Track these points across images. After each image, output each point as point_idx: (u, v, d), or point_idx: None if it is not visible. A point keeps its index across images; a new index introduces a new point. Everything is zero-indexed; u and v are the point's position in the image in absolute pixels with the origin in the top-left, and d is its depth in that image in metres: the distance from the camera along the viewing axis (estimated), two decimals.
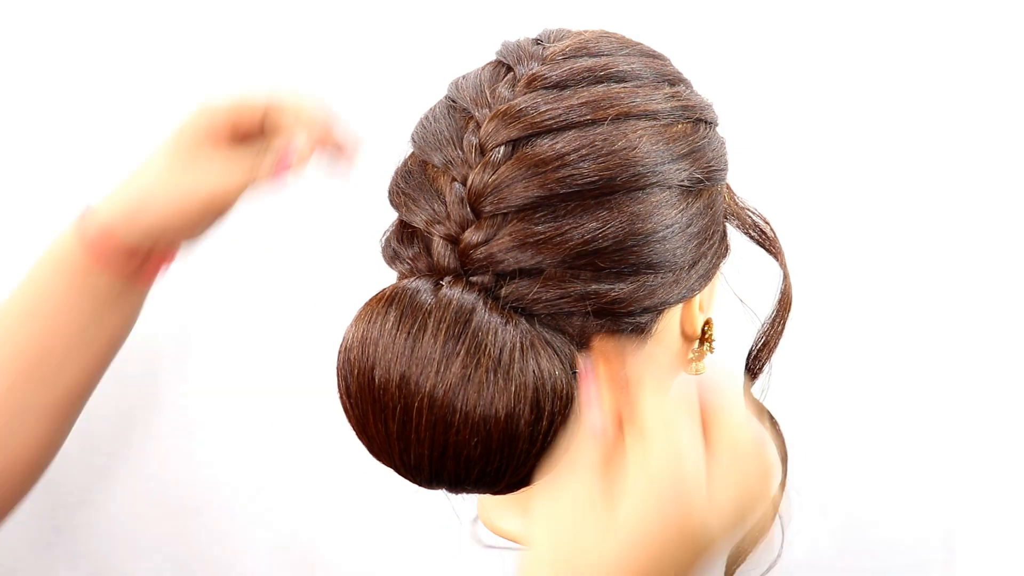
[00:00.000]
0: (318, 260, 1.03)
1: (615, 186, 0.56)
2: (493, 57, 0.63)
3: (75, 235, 0.75)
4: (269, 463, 1.07)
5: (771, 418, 0.69)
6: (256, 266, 1.04)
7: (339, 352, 0.57)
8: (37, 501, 1.08)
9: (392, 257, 0.61)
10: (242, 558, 1.08)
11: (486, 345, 0.54)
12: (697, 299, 0.62)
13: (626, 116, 0.57)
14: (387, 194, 0.62)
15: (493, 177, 0.56)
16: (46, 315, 0.74)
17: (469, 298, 0.55)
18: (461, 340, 0.54)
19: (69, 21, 1.01)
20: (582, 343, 0.57)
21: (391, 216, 0.62)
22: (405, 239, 0.60)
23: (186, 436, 1.07)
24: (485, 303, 0.55)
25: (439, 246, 0.57)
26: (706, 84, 0.65)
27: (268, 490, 1.07)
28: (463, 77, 0.63)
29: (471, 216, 0.57)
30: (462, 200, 0.57)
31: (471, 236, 0.56)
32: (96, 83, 1.02)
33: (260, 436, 1.07)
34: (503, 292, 0.56)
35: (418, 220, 0.59)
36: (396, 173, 0.63)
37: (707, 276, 0.62)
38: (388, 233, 0.62)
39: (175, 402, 1.07)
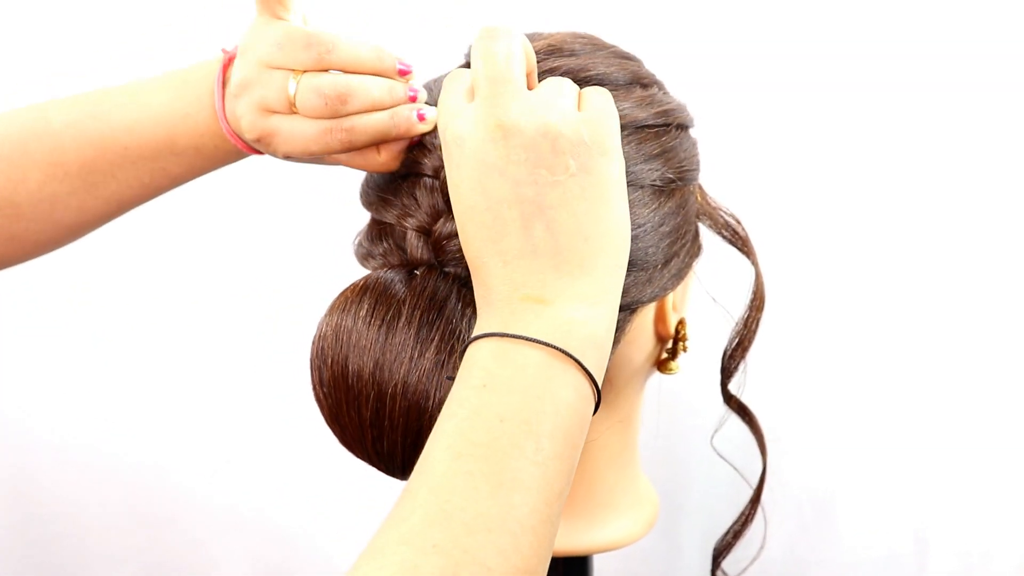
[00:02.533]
0: (290, 256, 1.03)
1: None
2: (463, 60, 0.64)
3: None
4: (244, 470, 1.06)
5: (749, 414, 0.70)
6: (227, 266, 1.03)
7: (313, 343, 0.57)
8: (10, 514, 1.08)
9: (364, 255, 0.61)
10: (218, 566, 1.08)
11: (460, 332, 0.54)
12: (670, 299, 0.63)
13: None
14: (359, 195, 0.63)
15: None
16: (154, 111, 0.64)
17: (443, 286, 0.55)
18: (435, 327, 0.54)
19: (69, 21, 1.01)
20: None
21: (364, 213, 0.62)
22: (376, 237, 0.60)
23: (158, 445, 1.07)
24: (459, 292, 0.55)
25: (412, 238, 0.58)
26: (679, 85, 0.66)
27: (243, 498, 1.07)
28: (434, 80, 0.63)
29: (443, 206, 0.57)
30: (433, 191, 0.57)
31: (443, 227, 0.56)
32: (95, 83, 1.01)
33: (234, 444, 1.06)
34: None
35: (390, 216, 0.59)
36: (367, 175, 0.63)
37: (680, 275, 0.62)
38: (360, 236, 0.62)
39: (146, 410, 1.06)
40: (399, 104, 0.59)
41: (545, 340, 0.47)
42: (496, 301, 0.50)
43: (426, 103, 0.60)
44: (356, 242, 0.63)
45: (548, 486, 0.46)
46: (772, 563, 0.92)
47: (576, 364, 0.48)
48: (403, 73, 0.59)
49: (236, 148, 0.63)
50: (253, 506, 1.06)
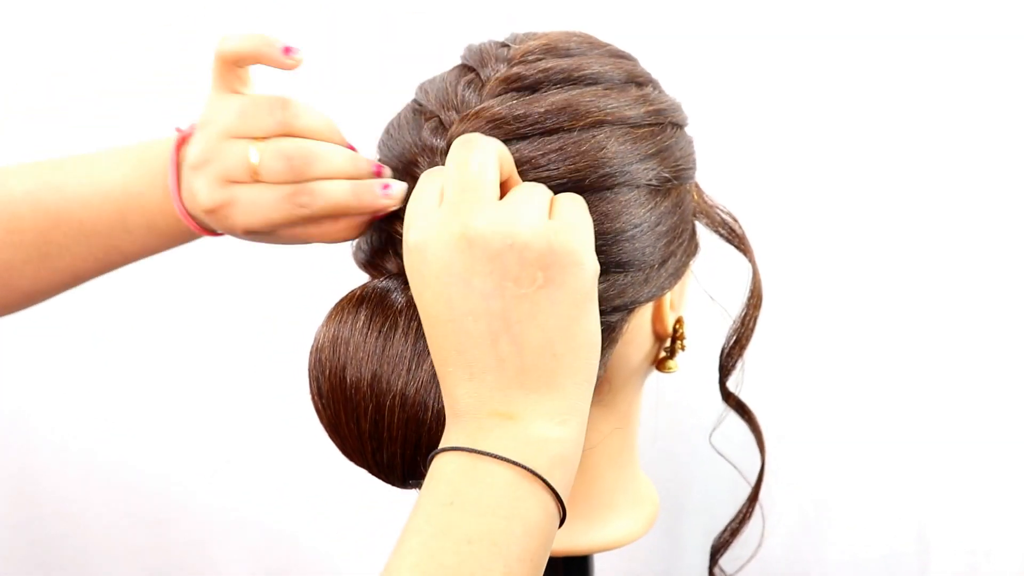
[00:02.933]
0: (290, 256, 1.02)
1: (583, 187, 0.56)
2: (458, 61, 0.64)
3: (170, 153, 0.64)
4: (244, 471, 1.06)
5: (748, 412, 0.70)
6: (228, 267, 1.03)
7: (310, 353, 0.57)
8: (12, 515, 1.08)
9: (364, 262, 0.61)
10: (218, 567, 1.08)
11: None
12: (668, 297, 0.63)
13: (595, 118, 0.58)
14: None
15: None
16: (107, 190, 0.63)
17: None
18: None
19: (69, 21, 1.01)
20: None
21: None
22: (376, 244, 0.61)
23: (159, 446, 1.07)
24: None
25: None
26: (674, 83, 0.66)
27: (243, 498, 1.07)
28: (429, 81, 0.63)
29: None
30: None
31: None
32: (96, 83, 1.01)
33: (234, 445, 1.06)
34: None
35: (386, 223, 0.59)
36: None
37: (677, 274, 0.62)
38: (360, 240, 0.62)
39: (147, 412, 1.06)
40: (362, 174, 0.58)
41: (514, 459, 0.47)
42: (463, 413, 0.49)
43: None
44: (355, 246, 0.63)
45: None
46: (771, 562, 0.92)
47: (544, 484, 0.47)
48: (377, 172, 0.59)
49: (189, 228, 0.63)
50: (253, 507, 1.07)
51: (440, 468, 0.48)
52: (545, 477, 0.47)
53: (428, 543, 0.45)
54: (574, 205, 0.52)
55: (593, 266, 0.51)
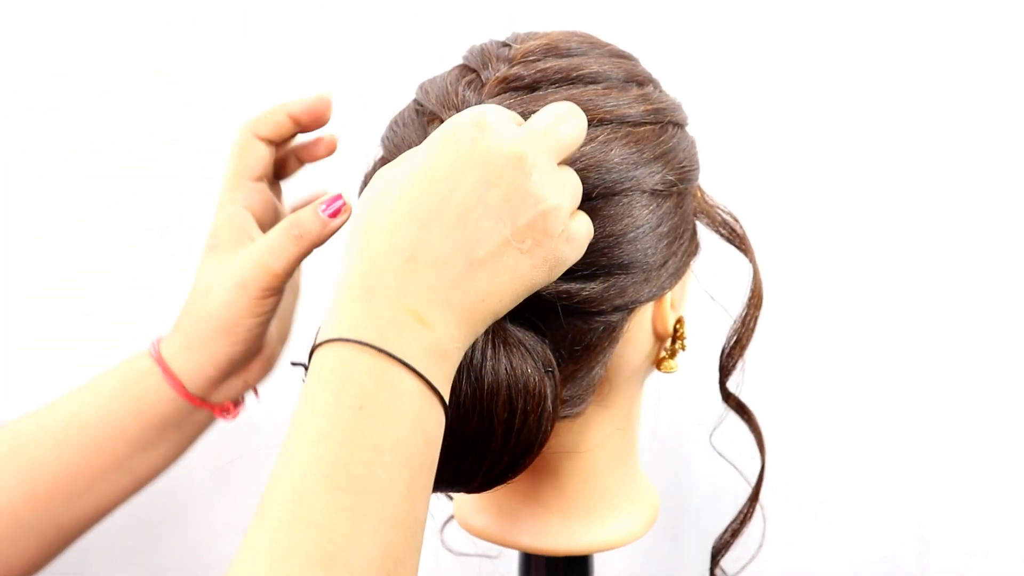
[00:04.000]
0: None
1: (590, 195, 0.56)
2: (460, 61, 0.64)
3: (149, 354, 0.70)
4: (244, 470, 1.06)
5: (748, 412, 0.70)
6: None
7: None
8: None
9: None
10: (218, 568, 1.07)
11: None
12: (668, 297, 0.63)
13: (597, 120, 0.58)
14: (358, 199, 0.62)
15: None
16: (98, 430, 0.68)
17: None
18: None
19: (69, 21, 1.01)
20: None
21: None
22: None
23: None
24: None
25: None
26: (675, 83, 0.66)
27: (243, 498, 1.07)
28: (430, 80, 0.63)
29: None
30: None
31: None
32: (96, 83, 1.01)
33: (235, 443, 1.06)
34: None
35: None
36: (365, 177, 0.63)
37: (677, 274, 0.62)
38: None
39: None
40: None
41: (421, 370, 0.46)
42: (382, 294, 0.47)
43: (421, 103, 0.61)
44: None
45: (416, 518, 0.45)
46: (772, 562, 0.92)
47: (440, 399, 0.48)
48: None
49: (203, 410, 0.70)
50: (254, 507, 1.06)
51: (347, 363, 0.46)
52: (442, 392, 0.48)
53: (337, 452, 0.44)
54: (587, 227, 0.54)
55: (553, 279, 0.53)
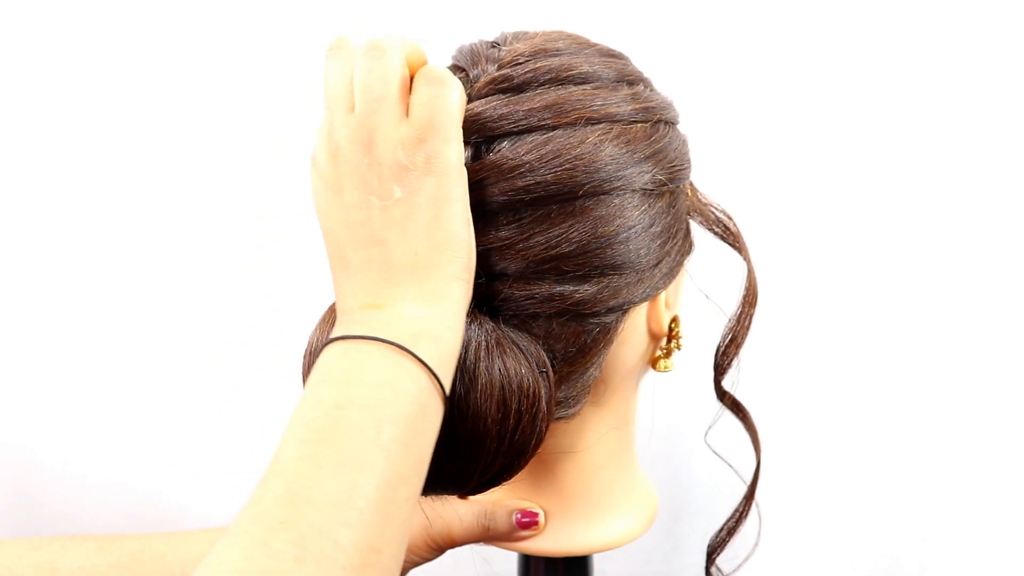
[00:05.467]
0: (291, 256, 1.03)
1: (578, 193, 0.56)
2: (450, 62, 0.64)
3: None
4: (244, 477, 1.06)
5: (743, 411, 0.70)
6: (227, 269, 1.03)
7: (304, 357, 0.57)
8: (10, 518, 1.08)
9: None
10: None
11: None
12: (663, 297, 0.63)
13: (586, 119, 0.58)
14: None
15: None
16: None
17: None
18: None
19: (69, 21, 1.01)
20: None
21: None
22: None
23: (159, 450, 1.07)
24: None
25: None
26: (666, 82, 0.66)
27: (243, 504, 1.07)
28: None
29: None
30: None
31: None
32: (96, 83, 1.01)
33: (235, 450, 1.06)
34: None
35: None
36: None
37: (671, 274, 0.62)
38: None
39: (147, 415, 1.06)
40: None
41: (378, 335, 0.49)
42: (343, 311, 0.53)
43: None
44: None
45: (392, 468, 0.47)
46: (768, 561, 0.92)
47: (411, 356, 0.49)
48: None
49: None
50: None
51: (320, 360, 0.51)
52: (410, 348, 0.49)
53: (304, 414, 0.48)
54: (429, 94, 0.54)
55: (448, 164, 0.53)
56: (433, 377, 0.50)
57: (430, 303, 0.51)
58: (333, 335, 0.51)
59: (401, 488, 0.47)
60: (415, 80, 0.54)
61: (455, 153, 0.53)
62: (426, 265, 0.52)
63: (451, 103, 0.53)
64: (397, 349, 0.49)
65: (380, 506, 0.45)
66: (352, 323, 0.51)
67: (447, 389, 0.51)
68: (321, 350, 0.51)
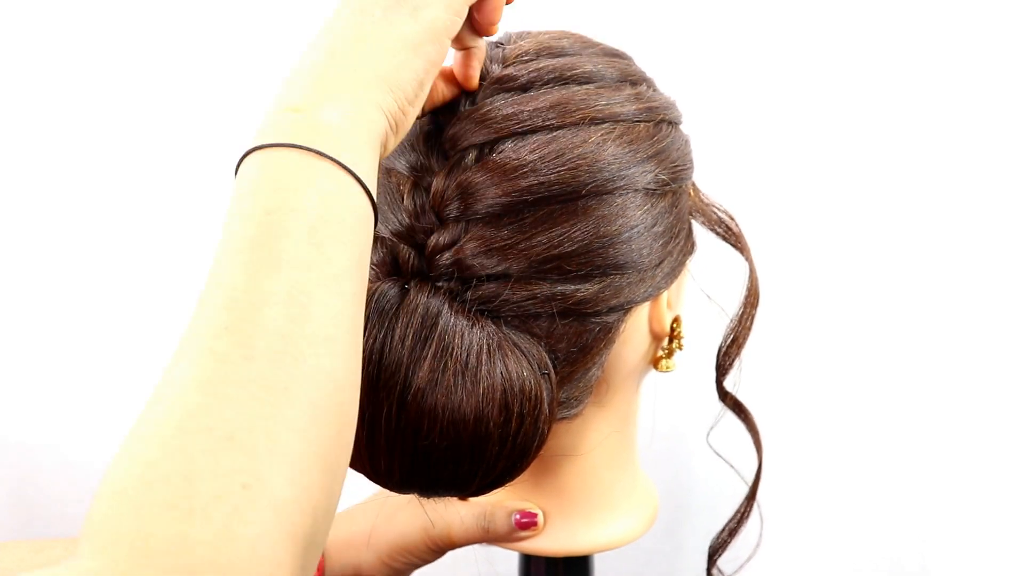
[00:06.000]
0: None
1: (581, 193, 0.56)
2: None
3: None
4: None
5: (745, 411, 0.70)
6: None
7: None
8: (11, 518, 1.08)
9: None
10: None
11: (453, 348, 0.54)
12: (664, 297, 0.63)
13: (590, 119, 0.58)
14: None
15: (458, 182, 0.56)
16: None
17: (435, 301, 0.55)
18: (428, 344, 0.54)
19: (69, 21, 1.01)
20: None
21: None
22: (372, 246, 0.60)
23: None
24: (451, 306, 0.55)
25: (404, 252, 0.57)
26: (670, 81, 0.65)
27: None
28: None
29: (436, 221, 0.57)
30: (426, 205, 0.57)
31: (436, 241, 0.56)
32: (95, 83, 1.01)
33: None
34: (469, 295, 0.56)
35: (383, 228, 0.59)
36: None
37: (673, 274, 0.62)
38: None
39: None
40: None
41: (290, 140, 0.48)
42: (263, 116, 0.50)
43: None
44: None
45: (329, 263, 0.46)
46: (770, 562, 0.92)
47: (331, 160, 0.48)
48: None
49: None
50: None
51: (240, 172, 0.49)
52: (329, 154, 0.48)
53: (233, 227, 0.47)
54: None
55: (436, 16, 0.53)
56: (357, 181, 0.49)
57: (349, 113, 0.50)
58: (251, 144, 0.50)
59: (343, 281, 0.46)
60: None
61: (447, 21, 0.53)
62: (353, 79, 0.51)
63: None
64: (317, 155, 0.48)
65: (324, 300, 0.45)
66: (271, 129, 0.50)
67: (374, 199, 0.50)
68: (240, 160, 0.50)
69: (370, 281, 0.59)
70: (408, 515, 0.69)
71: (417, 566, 0.70)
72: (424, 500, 0.67)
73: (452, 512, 0.68)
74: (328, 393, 0.44)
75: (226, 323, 0.43)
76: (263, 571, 0.40)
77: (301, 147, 0.47)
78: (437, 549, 0.69)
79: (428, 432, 0.53)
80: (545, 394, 0.55)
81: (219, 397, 0.42)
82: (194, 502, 0.39)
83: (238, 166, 0.49)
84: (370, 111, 0.50)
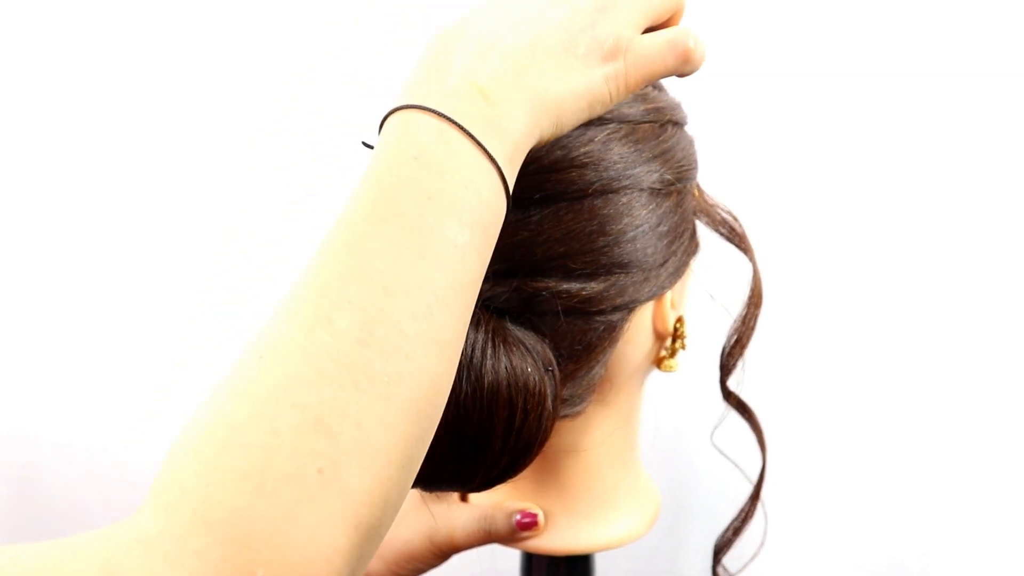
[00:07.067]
0: (292, 257, 1.03)
1: (587, 192, 0.56)
2: None
3: None
4: None
5: (748, 411, 0.70)
6: (231, 266, 1.03)
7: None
8: (12, 516, 1.08)
9: None
10: None
11: (463, 349, 0.54)
12: (668, 296, 0.63)
13: (596, 120, 0.58)
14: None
15: None
16: None
17: None
18: None
19: (69, 21, 1.01)
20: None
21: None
22: None
23: (162, 445, 1.06)
24: None
25: None
26: (674, 82, 0.65)
27: None
28: None
29: None
30: None
31: None
32: (95, 83, 1.01)
33: None
34: None
35: None
36: None
37: (677, 273, 0.62)
38: None
39: (150, 410, 1.06)
40: None
41: (479, 137, 0.46)
42: (447, 72, 0.47)
43: None
44: None
45: (465, 271, 0.45)
46: (774, 561, 0.92)
47: (499, 174, 0.47)
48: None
49: None
50: None
51: (408, 123, 0.46)
52: (503, 167, 0.47)
53: (388, 192, 0.44)
54: (656, 44, 0.54)
55: (614, 100, 0.51)
56: (506, 195, 0.47)
57: (528, 124, 0.48)
58: (431, 101, 0.46)
59: (469, 290, 0.45)
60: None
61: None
62: (552, 102, 0.48)
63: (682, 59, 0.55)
64: (491, 160, 0.46)
65: (449, 303, 0.44)
66: (454, 97, 0.46)
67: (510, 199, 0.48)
68: (392, 112, 0.47)
69: None
70: (411, 522, 0.69)
71: (423, 571, 0.70)
72: (429, 503, 0.67)
73: (454, 516, 0.68)
74: (425, 394, 0.43)
75: (352, 299, 0.42)
76: (319, 555, 0.39)
77: (481, 145, 0.46)
78: (441, 554, 0.69)
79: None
80: (549, 391, 0.56)
81: (321, 374, 0.41)
82: (266, 476, 0.39)
83: (392, 112, 0.47)
84: (535, 134, 0.49)
